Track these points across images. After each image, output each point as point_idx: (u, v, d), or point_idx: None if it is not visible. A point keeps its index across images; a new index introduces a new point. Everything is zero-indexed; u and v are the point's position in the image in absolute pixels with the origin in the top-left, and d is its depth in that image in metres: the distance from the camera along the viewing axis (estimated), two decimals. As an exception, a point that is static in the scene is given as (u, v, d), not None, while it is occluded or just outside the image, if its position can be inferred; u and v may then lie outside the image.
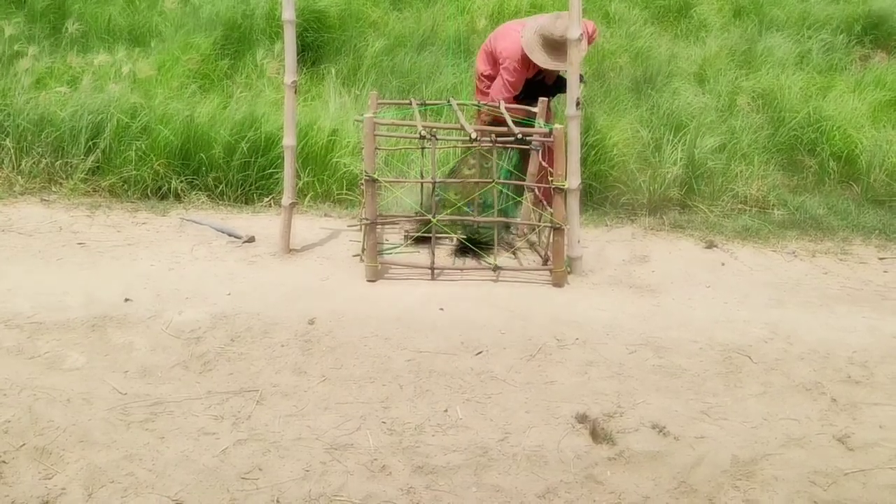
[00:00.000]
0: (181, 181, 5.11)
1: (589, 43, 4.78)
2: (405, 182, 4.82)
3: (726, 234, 5.02)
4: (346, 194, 5.23)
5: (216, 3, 6.80)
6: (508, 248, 4.62)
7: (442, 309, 3.86)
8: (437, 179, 4.34)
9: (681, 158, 5.49)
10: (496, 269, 4.23)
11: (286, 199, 4.41)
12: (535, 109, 4.55)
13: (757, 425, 3.29)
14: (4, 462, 2.87)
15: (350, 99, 5.94)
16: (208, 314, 3.67)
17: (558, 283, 4.20)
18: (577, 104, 4.25)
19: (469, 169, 4.61)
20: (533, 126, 4.43)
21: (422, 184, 4.52)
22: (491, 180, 4.31)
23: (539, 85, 4.79)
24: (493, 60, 4.80)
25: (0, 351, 3.35)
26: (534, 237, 4.72)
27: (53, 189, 5.03)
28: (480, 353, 3.56)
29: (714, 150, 5.65)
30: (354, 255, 4.39)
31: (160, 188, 5.13)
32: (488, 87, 4.83)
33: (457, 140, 4.65)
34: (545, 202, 4.50)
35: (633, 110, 6.02)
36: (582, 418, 3.25)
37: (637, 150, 5.57)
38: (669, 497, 3.00)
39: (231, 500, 2.84)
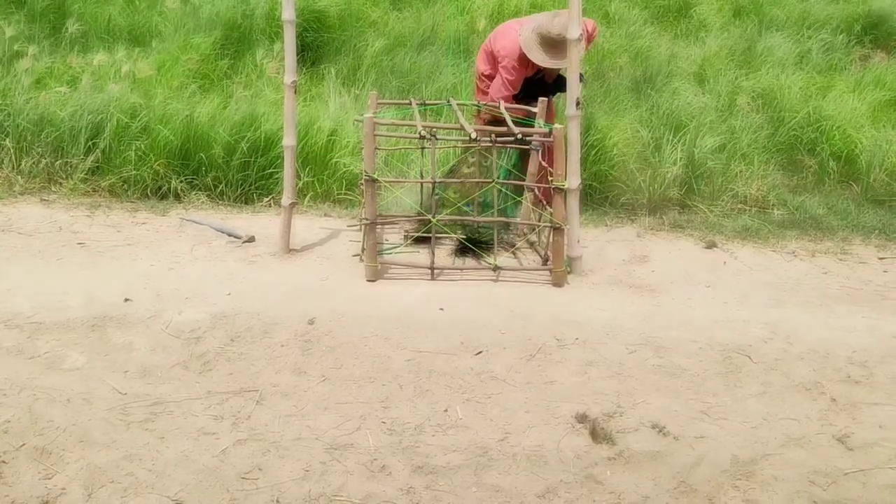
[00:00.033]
0: (181, 181, 5.11)
1: (589, 42, 4.78)
2: (405, 182, 4.82)
3: (726, 234, 5.02)
4: (345, 194, 5.23)
5: (216, 3, 6.80)
6: (508, 247, 4.62)
7: (442, 309, 3.86)
8: (437, 179, 4.34)
9: (681, 158, 5.49)
10: (496, 268, 4.23)
11: (286, 198, 4.41)
12: (535, 109, 4.55)
13: (757, 425, 3.29)
14: (4, 462, 2.87)
15: (350, 99, 5.94)
16: (208, 314, 3.67)
17: (558, 282, 4.20)
18: (577, 104, 4.25)
19: (468, 168, 4.61)
20: (533, 126, 4.43)
21: (421, 184, 4.52)
22: (491, 180, 4.32)
23: (539, 84, 4.78)
24: (493, 60, 4.79)
25: (0, 351, 3.35)
26: (534, 237, 4.72)
27: (53, 189, 5.03)
28: (480, 352, 3.56)
29: (714, 150, 5.65)
30: (354, 255, 4.39)
31: (160, 188, 5.13)
32: (488, 87, 4.83)
33: (457, 140, 4.65)
34: (545, 202, 4.50)
35: (632, 110, 6.01)
36: (582, 418, 3.25)
37: (637, 149, 5.56)
38: (669, 497, 3.00)
39: (231, 500, 2.84)
